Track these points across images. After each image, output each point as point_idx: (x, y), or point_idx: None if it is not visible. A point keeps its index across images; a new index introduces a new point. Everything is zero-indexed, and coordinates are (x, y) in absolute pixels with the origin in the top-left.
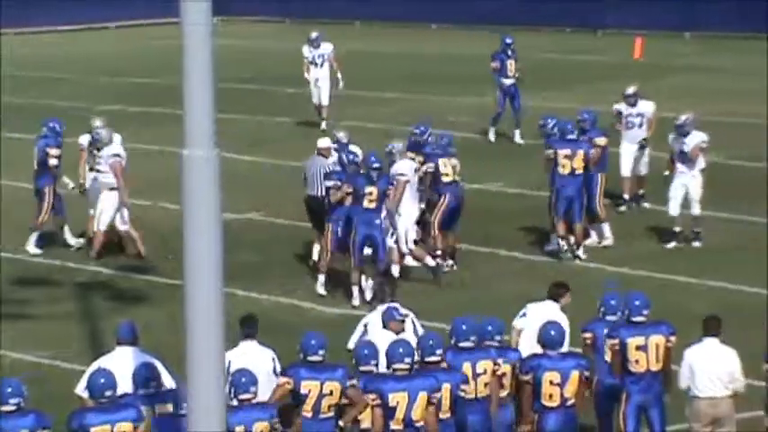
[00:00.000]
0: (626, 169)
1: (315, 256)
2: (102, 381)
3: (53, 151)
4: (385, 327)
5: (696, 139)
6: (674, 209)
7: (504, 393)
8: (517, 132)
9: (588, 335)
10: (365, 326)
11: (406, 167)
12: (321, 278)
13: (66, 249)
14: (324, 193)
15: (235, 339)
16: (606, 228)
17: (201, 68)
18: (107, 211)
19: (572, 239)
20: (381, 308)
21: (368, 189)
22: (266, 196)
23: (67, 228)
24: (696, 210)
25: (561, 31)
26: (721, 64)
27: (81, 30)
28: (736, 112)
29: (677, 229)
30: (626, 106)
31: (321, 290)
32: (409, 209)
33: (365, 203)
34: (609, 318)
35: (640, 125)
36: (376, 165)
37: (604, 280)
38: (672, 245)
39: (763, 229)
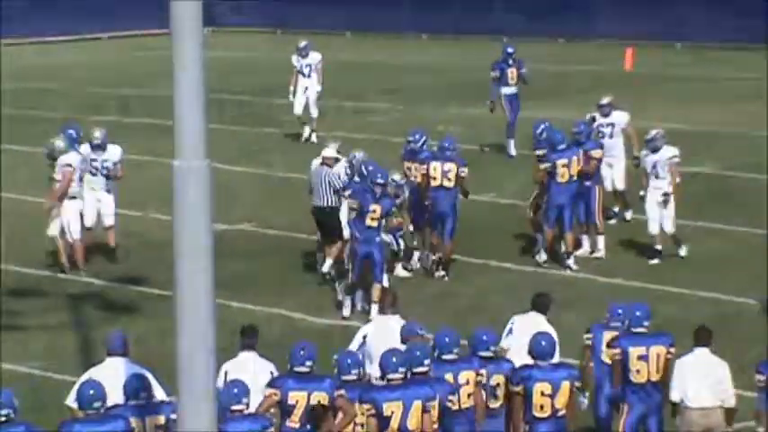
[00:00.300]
0: (609, 183)
1: (325, 268)
2: (91, 392)
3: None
4: (404, 342)
5: (668, 153)
6: (653, 227)
7: (497, 404)
8: (511, 143)
9: (589, 335)
10: (364, 337)
11: None
12: (329, 261)
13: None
14: (331, 203)
15: (227, 349)
16: (601, 240)
17: (192, 79)
18: (73, 220)
19: (563, 248)
20: (379, 319)
21: (372, 207)
22: (257, 207)
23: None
24: (670, 227)
25: (553, 41)
26: (713, 74)
27: (74, 41)
28: (730, 122)
29: (659, 247)
30: (599, 116)
31: (326, 269)
32: None
33: (367, 221)
34: (613, 324)
35: (611, 135)
36: (380, 180)
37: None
38: (655, 261)
39: (760, 239)
